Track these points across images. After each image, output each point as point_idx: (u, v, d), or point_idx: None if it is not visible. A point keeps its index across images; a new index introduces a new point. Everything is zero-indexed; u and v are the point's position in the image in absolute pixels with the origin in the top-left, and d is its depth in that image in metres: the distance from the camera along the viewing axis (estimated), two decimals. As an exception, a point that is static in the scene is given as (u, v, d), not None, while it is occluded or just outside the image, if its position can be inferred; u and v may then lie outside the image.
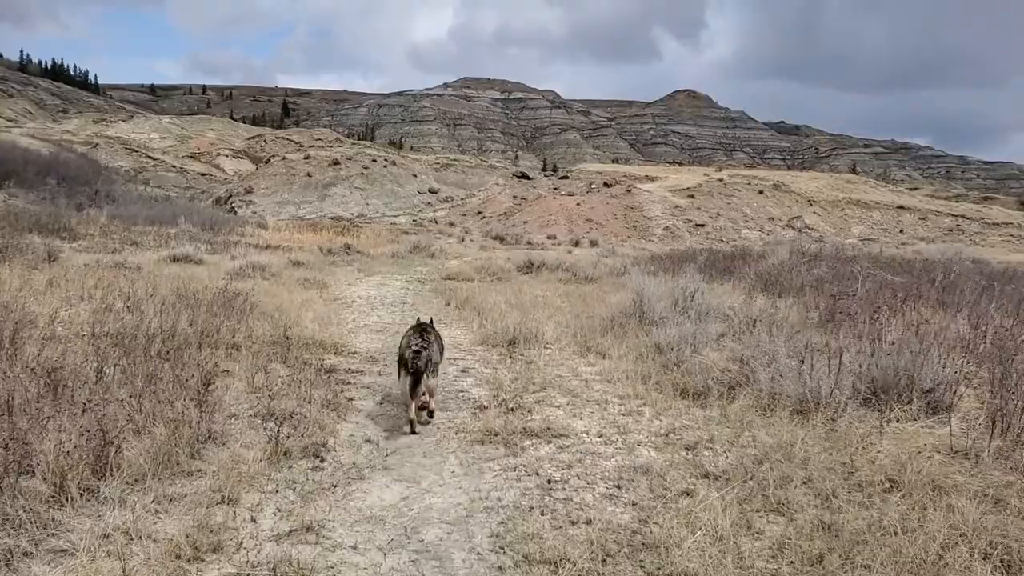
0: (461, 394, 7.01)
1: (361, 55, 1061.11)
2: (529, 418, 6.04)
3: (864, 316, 8.92)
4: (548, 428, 5.77)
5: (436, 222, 62.30)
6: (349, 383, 7.19)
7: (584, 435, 5.71)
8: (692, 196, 61.82)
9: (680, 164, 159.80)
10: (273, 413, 5.68)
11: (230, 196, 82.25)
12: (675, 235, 54.08)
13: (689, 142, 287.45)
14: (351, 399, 6.63)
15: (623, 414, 6.27)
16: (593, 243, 40.21)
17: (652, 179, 67.57)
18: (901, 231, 59.63)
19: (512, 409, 6.31)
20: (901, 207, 63.69)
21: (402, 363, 6.12)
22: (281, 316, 10.02)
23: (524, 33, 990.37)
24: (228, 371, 6.81)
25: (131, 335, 7.12)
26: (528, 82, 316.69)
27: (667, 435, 5.69)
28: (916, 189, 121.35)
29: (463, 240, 40.54)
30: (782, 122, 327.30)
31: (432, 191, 75.65)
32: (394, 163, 78.54)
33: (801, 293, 12.89)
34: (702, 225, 56.60)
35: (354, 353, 8.53)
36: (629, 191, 60.75)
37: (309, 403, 6.00)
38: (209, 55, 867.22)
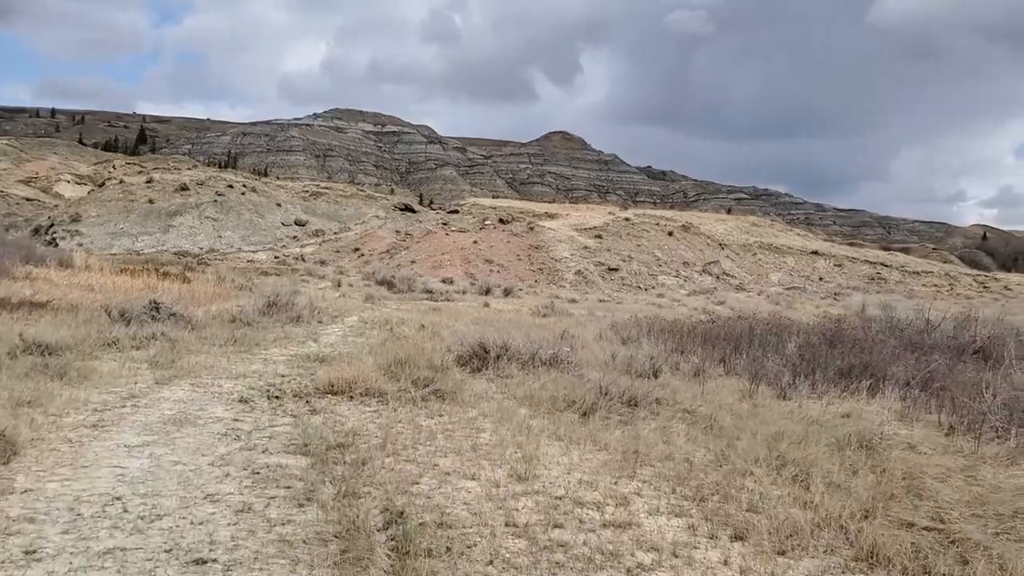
0: None
1: (230, 85, 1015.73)
2: None
3: None
4: None
5: (304, 259, 52.51)
6: None
7: None
8: (599, 236, 55.13)
9: (575, 202, 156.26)
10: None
11: (52, 225, 68.90)
12: (588, 280, 46.89)
13: (565, 183, 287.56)
14: None
15: None
16: (507, 292, 32.03)
17: (553, 216, 60.55)
18: (820, 278, 55.15)
19: None
20: (815, 252, 59.54)
21: None
22: None
23: (400, 68, 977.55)
24: None
25: None
26: (404, 117, 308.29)
27: None
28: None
29: (339, 285, 31.39)
30: (649, 167, 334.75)
31: (299, 223, 65.43)
32: (254, 190, 67.82)
33: None
34: (615, 269, 49.76)
35: None
36: (532, 229, 53.27)
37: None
38: (67, 79, 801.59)
